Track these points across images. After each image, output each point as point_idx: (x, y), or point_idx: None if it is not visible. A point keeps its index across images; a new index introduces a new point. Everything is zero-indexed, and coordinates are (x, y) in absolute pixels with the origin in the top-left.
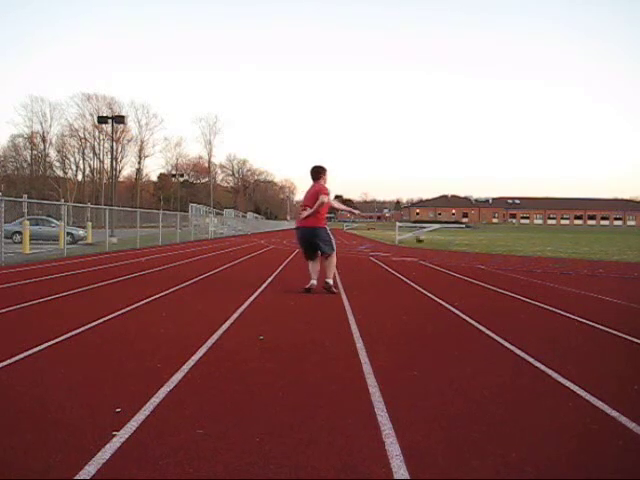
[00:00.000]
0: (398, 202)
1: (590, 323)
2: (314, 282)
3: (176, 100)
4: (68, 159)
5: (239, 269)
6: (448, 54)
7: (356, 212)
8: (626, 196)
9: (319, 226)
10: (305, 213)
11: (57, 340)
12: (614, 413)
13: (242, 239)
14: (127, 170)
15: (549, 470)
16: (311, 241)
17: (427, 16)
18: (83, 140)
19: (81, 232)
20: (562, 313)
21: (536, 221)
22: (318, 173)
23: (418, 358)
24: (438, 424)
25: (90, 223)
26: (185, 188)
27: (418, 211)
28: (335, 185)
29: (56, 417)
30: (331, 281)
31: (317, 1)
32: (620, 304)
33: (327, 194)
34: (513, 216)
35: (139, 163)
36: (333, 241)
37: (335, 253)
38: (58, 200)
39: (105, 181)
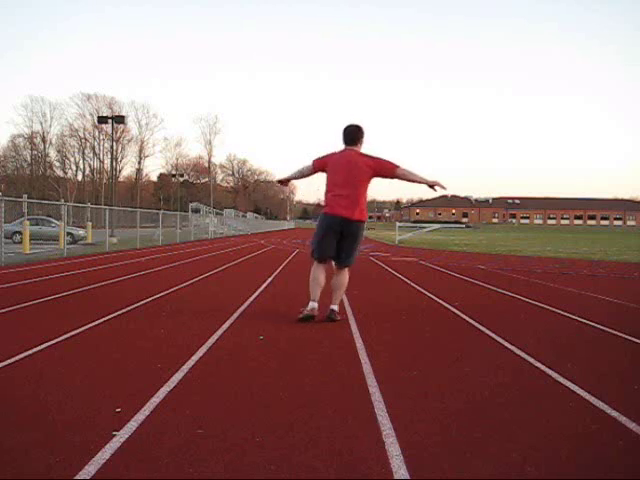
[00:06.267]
0: (398, 202)
1: (590, 323)
2: (314, 305)
3: (176, 100)
4: (68, 159)
5: (239, 269)
6: (447, 55)
7: None
8: (626, 196)
9: (364, 220)
10: (344, 194)
11: (57, 340)
12: (614, 413)
13: (242, 239)
14: (127, 170)
15: (549, 470)
16: (344, 236)
17: (425, 17)
18: (83, 140)
19: (81, 232)
20: (562, 313)
21: (536, 221)
22: (357, 135)
23: (418, 358)
24: (438, 424)
25: (90, 223)
26: (185, 188)
27: (418, 211)
28: None
29: (56, 417)
30: (336, 307)
31: (316, 2)
32: (620, 304)
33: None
34: (513, 216)
35: (139, 163)
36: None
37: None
38: (58, 200)
39: (105, 181)
